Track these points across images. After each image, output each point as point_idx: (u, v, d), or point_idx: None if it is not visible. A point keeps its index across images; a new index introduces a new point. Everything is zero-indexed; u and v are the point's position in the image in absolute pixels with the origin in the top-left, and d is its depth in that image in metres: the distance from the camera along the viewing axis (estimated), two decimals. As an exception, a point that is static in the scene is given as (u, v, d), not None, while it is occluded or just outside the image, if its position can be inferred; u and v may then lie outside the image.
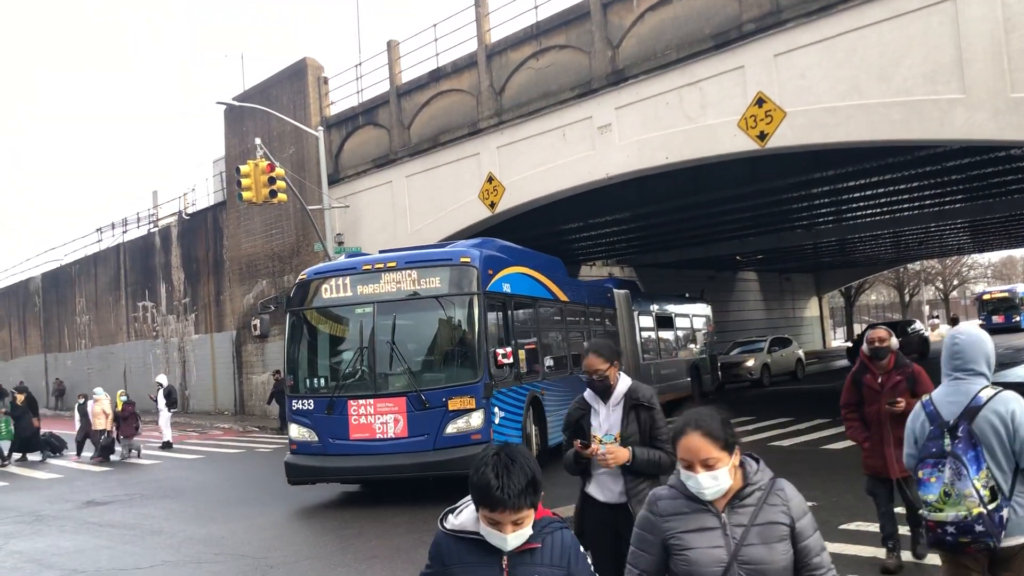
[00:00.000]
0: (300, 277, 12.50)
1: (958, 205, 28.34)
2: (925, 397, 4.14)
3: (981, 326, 5.30)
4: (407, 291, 11.42)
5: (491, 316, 11.78)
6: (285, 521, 10.87)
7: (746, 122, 14.88)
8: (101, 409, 19.24)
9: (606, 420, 4.76)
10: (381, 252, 13.55)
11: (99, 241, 39.81)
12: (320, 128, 23.44)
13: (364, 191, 23.34)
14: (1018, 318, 50.62)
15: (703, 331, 26.20)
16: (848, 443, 10.66)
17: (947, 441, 3.91)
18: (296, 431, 11.68)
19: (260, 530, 10.31)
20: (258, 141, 20.97)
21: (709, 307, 27.65)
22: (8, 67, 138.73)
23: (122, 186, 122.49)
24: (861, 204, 26.64)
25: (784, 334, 35.87)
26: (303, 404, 11.65)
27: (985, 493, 3.75)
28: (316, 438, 11.41)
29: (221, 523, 10.84)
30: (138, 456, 19.31)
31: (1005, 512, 3.76)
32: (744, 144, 15.05)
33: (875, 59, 13.32)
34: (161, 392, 21.63)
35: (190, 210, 32.75)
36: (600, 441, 4.68)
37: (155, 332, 34.42)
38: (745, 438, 15.53)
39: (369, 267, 11.76)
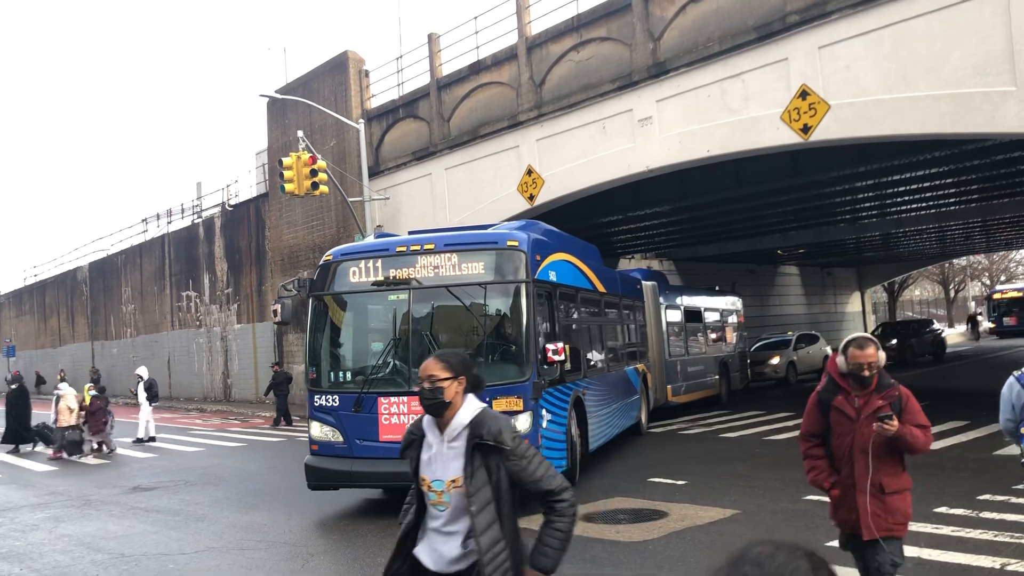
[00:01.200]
0: (325, 258, 11.02)
1: (1006, 200, 27.79)
2: (1017, 372, 5.20)
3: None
4: (446, 277, 10.16)
5: (539, 307, 10.47)
6: (326, 509, 10.98)
7: (789, 115, 14.71)
8: (66, 405, 17.94)
9: (439, 459, 3.49)
10: (411, 233, 12.31)
11: (144, 232, 40.56)
12: (361, 121, 23.61)
13: (404, 183, 23.48)
14: None
15: (733, 326, 25.52)
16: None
17: None
18: (318, 430, 10.48)
19: (301, 517, 10.46)
20: (300, 134, 21.18)
21: (740, 300, 26.81)
22: (8, 67, 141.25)
23: (123, 186, 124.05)
24: (906, 198, 26.23)
25: (816, 330, 34.62)
26: (326, 400, 10.46)
27: None
28: (341, 438, 10.29)
29: (263, 510, 11.02)
30: (146, 441, 18.50)
31: None
32: (787, 137, 14.88)
33: (923, 51, 13.08)
34: (141, 385, 20.38)
35: (233, 201, 33.20)
36: (430, 488, 3.51)
37: (198, 321, 34.96)
38: (788, 434, 15.41)
39: (403, 248, 10.45)
